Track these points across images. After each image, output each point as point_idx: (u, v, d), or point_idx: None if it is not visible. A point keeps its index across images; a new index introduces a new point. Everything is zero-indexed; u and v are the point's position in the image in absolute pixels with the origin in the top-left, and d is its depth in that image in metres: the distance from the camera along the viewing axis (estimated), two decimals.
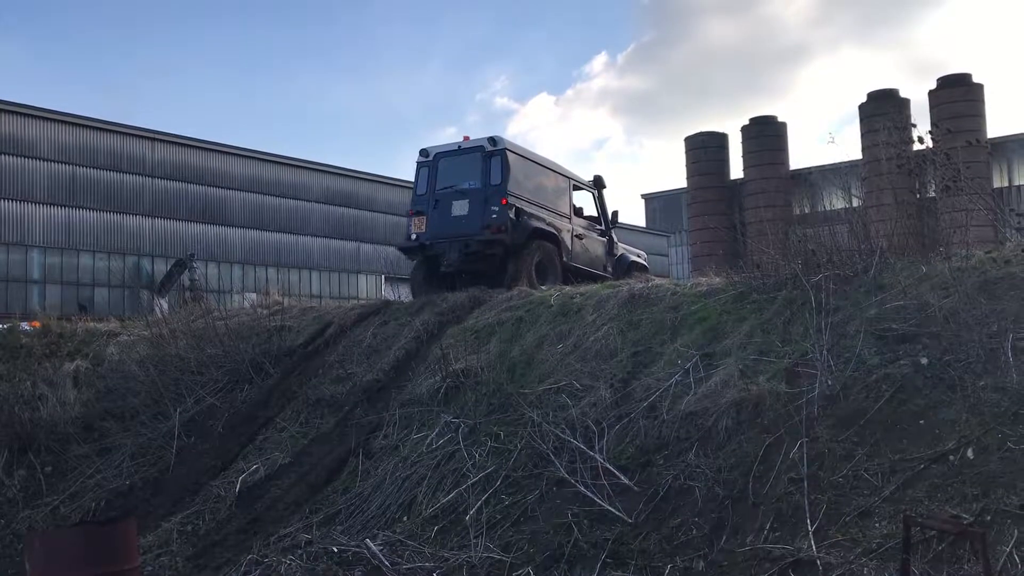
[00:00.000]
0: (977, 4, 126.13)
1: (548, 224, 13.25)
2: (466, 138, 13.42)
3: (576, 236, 14.05)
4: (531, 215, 12.86)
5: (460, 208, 12.77)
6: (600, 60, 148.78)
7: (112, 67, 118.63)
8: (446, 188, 13.10)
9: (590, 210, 15.34)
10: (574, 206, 14.63)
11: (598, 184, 15.44)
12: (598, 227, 15.08)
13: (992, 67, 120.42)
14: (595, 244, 14.76)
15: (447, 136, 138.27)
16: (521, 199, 12.78)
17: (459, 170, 13.12)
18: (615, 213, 15.56)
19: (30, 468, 9.69)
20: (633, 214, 67.25)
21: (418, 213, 13.17)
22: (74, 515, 8.84)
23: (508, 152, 12.80)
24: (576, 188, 14.81)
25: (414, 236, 13.06)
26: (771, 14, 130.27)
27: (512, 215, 12.40)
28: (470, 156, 13.05)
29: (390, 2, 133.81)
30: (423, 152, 13.51)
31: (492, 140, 12.89)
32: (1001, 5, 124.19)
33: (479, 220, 12.43)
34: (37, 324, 14.49)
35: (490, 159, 12.77)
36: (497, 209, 12.35)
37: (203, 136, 43.27)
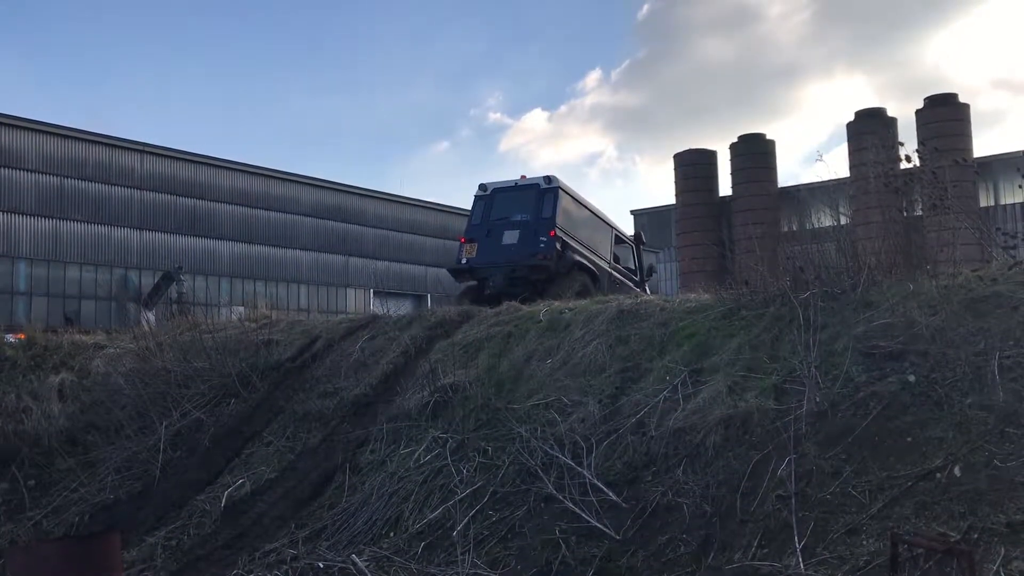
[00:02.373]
0: (970, 27, 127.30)
1: (589, 261, 14.32)
2: (523, 177, 14.65)
3: (613, 280, 15.05)
4: (575, 250, 13.93)
5: (511, 237, 13.83)
6: (594, 76, 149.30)
7: (101, 78, 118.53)
8: (499, 219, 14.16)
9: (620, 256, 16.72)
10: (615, 255, 15.94)
11: (638, 240, 16.97)
12: (634, 278, 16.31)
13: (982, 88, 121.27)
14: (629, 292, 15.64)
15: (439, 151, 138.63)
16: (567, 234, 13.84)
17: (513, 204, 14.22)
18: (651, 267, 17.19)
19: (13, 481, 9.59)
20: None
21: (470, 240, 14.25)
22: (57, 529, 8.76)
23: (560, 191, 13.99)
24: (618, 240, 16.17)
25: (464, 260, 14.09)
26: (765, 33, 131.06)
27: (558, 246, 13.44)
28: (525, 191, 14.23)
29: (384, 16, 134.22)
30: (482, 187, 14.66)
31: (547, 179, 14.10)
32: (992, 29, 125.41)
33: (527, 248, 13.47)
34: (23, 336, 14.40)
35: (543, 195, 13.94)
36: (545, 239, 13.41)
37: (192, 149, 43.29)
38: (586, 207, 15.16)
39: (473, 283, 14.01)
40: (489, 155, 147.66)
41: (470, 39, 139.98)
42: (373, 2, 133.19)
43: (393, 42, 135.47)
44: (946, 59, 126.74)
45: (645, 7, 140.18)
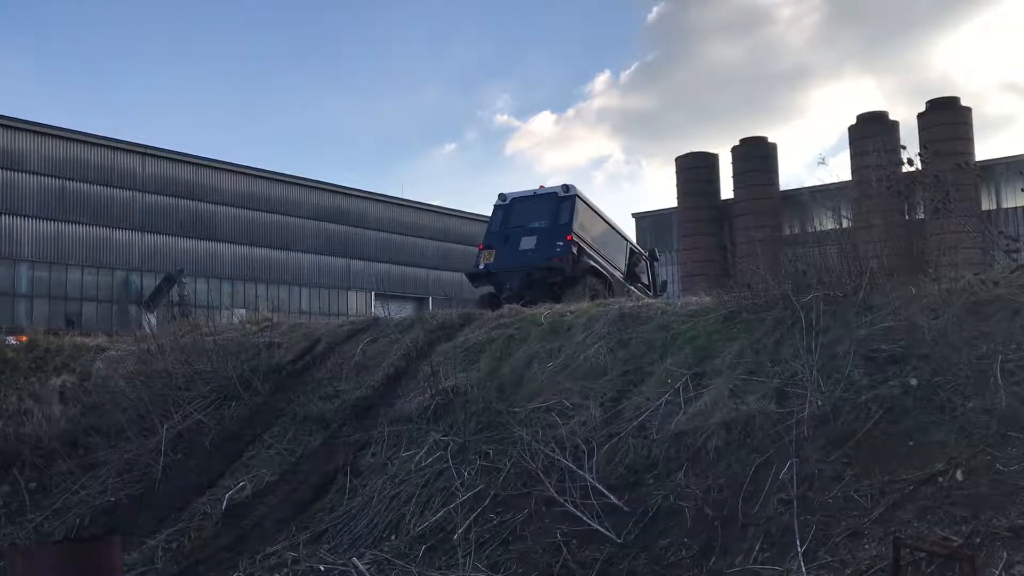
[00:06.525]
0: (980, 31, 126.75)
1: (603, 268, 14.76)
2: (541, 186, 15.24)
3: (626, 290, 15.41)
4: (590, 256, 14.35)
5: (528, 243, 14.28)
6: (602, 79, 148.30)
7: (103, 80, 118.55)
8: (517, 226, 14.62)
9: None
10: (634, 273, 16.52)
11: (652, 256, 17.83)
12: (648, 292, 16.86)
13: (990, 92, 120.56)
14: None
15: (446, 153, 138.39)
16: (583, 241, 14.23)
17: (532, 211, 14.72)
18: (664, 282, 18.04)
19: (13, 484, 9.60)
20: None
21: (488, 247, 14.71)
22: (58, 532, 8.76)
23: (578, 199, 14.46)
24: (632, 254, 16.72)
25: (482, 266, 14.53)
26: (775, 35, 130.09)
27: (574, 251, 13.86)
28: (543, 200, 14.75)
29: (392, 18, 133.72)
30: (501, 196, 15.16)
31: (565, 187, 14.67)
32: (1002, 33, 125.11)
33: (544, 251, 13.90)
34: (24, 338, 14.42)
35: (561, 202, 14.43)
36: (562, 243, 13.87)
37: (194, 151, 43.22)
38: (603, 218, 15.61)
39: (491, 288, 14.32)
40: (495, 158, 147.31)
41: (478, 41, 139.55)
42: (380, 4, 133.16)
43: (400, 44, 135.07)
44: (955, 62, 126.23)
45: (655, 9, 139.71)
